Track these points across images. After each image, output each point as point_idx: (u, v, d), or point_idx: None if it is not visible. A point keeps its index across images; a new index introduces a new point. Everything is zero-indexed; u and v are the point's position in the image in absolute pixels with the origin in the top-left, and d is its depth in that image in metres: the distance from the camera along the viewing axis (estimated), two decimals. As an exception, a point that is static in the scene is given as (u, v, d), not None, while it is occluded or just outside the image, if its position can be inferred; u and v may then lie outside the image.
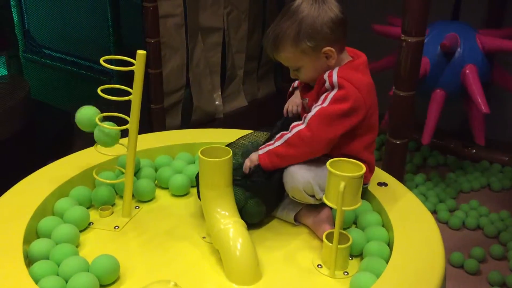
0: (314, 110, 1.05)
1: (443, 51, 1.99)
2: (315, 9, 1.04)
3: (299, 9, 1.05)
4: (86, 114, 1.09)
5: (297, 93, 1.24)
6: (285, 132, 1.07)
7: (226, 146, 1.08)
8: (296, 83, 1.25)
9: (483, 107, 1.90)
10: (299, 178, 1.05)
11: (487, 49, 1.99)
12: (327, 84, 1.05)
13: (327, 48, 1.05)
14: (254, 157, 1.09)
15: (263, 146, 1.10)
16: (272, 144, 1.07)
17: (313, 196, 1.07)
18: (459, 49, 1.98)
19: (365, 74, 1.09)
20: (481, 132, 2.05)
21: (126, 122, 1.09)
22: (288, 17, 1.06)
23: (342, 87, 1.04)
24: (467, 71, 1.96)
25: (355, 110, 1.05)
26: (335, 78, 1.04)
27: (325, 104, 1.04)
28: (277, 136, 1.08)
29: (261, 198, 1.08)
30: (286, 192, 1.11)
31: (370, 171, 1.16)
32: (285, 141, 1.05)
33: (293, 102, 1.24)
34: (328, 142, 1.05)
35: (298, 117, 1.21)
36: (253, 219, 1.09)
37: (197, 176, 1.10)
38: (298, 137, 1.04)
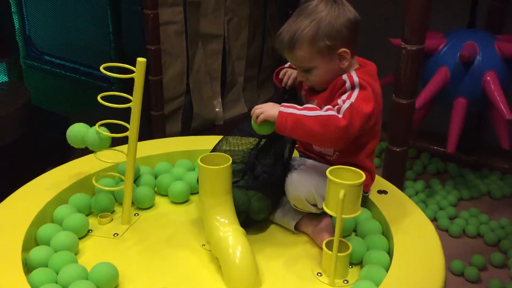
0: (345, 103, 1.00)
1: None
2: (334, 9, 1.04)
3: (317, 9, 1.04)
4: (77, 132, 1.11)
5: (292, 70, 1.20)
6: (316, 107, 1.02)
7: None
8: (287, 65, 1.22)
9: (506, 114, 1.90)
10: (301, 187, 1.05)
11: (505, 55, 1.99)
12: (347, 84, 1.04)
13: (343, 49, 1.05)
14: (271, 111, 1.01)
15: (286, 104, 1.02)
16: (300, 109, 1.00)
17: (315, 205, 1.06)
18: (478, 57, 1.98)
19: (376, 81, 1.09)
20: (505, 136, 2.05)
21: (126, 129, 1.09)
22: (306, 16, 1.05)
23: (365, 88, 1.03)
24: (488, 78, 1.96)
25: (374, 111, 1.04)
26: (356, 79, 1.04)
27: (353, 100, 1.01)
28: (307, 105, 1.03)
29: (264, 192, 1.08)
30: (287, 199, 1.11)
31: (371, 179, 1.15)
32: (316, 116, 0.99)
33: (290, 72, 1.19)
34: (351, 137, 1.01)
35: (291, 90, 1.19)
36: (260, 215, 1.09)
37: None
38: (331, 120, 0.98)
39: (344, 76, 1.06)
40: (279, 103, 1.03)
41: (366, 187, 1.14)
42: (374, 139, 1.11)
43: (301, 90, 1.20)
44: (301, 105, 1.04)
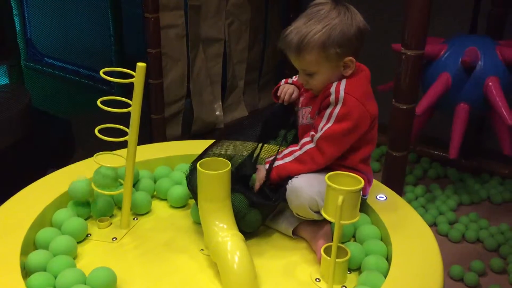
0: (321, 130, 1.06)
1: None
2: (347, 17, 1.04)
3: (330, 15, 1.04)
4: (80, 187, 1.12)
5: (292, 87, 1.22)
6: (294, 149, 1.09)
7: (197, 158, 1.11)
8: (283, 81, 1.24)
9: (508, 119, 1.90)
10: (304, 195, 1.04)
11: (507, 60, 1.99)
12: (332, 98, 1.05)
13: (349, 58, 1.06)
14: (261, 175, 1.11)
15: (268, 160, 1.11)
16: (281, 159, 1.10)
17: (318, 212, 1.06)
18: (480, 62, 1.98)
19: (368, 87, 1.10)
20: (507, 142, 2.05)
21: (126, 133, 1.09)
22: (317, 21, 1.04)
23: (345, 103, 1.04)
24: (490, 84, 1.96)
25: (359, 124, 1.06)
26: (341, 94, 1.05)
27: (330, 124, 1.05)
28: (286, 152, 1.10)
29: (260, 209, 1.09)
30: (285, 205, 1.11)
31: (368, 182, 1.15)
32: (295, 158, 1.08)
33: (287, 89, 1.22)
34: (335, 157, 1.08)
35: (289, 105, 1.21)
36: (251, 229, 1.10)
37: (188, 184, 1.12)
38: (308, 155, 1.07)
39: (332, 89, 1.06)
40: (278, 118, 1.13)
41: (363, 189, 1.14)
42: (369, 144, 1.12)
43: (297, 104, 1.21)
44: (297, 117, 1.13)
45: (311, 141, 1.07)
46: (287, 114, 1.20)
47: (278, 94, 1.22)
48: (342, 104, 1.04)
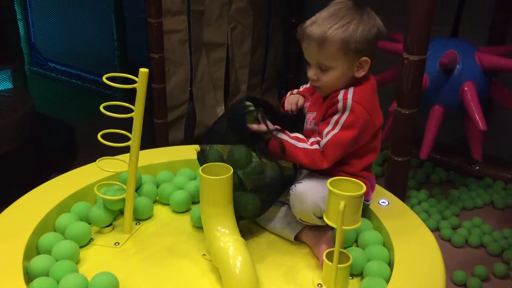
0: (327, 136, 1.05)
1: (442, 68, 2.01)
2: (370, 18, 1.06)
3: (354, 14, 1.05)
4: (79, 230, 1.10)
5: (295, 96, 1.23)
6: (306, 140, 1.08)
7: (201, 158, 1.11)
8: (289, 93, 1.25)
9: (480, 125, 1.91)
10: (308, 201, 1.04)
11: (485, 67, 2.00)
12: (340, 106, 1.05)
13: (365, 58, 1.06)
14: (265, 128, 1.08)
15: (280, 130, 1.09)
16: (291, 138, 1.07)
17: (321, 217, 1.06)
18: (458, 66, 2.00)
19: (375, 97, 1.10)
20: (478, 146, 2.06)
21: (128, 137, 1.10)
22: (341, 17, 1.05)
23: (353, 111, 1.04)
24: (466, 88, 1.98)
25: (363, 133, 1.06)
26: (349, 101, 1.05)
27: (336, 130, 1.05)
28: (299, 136, 1.08)
29: (259, 195, 1.09)
30: (286, 211, 1.11)
31: (371, 187, 1.15)
32: (303, 149, 1.06)
33: (291, 98, 1.23)
34: (335, 161, 1.08)
35: (298, 114, 1.21)
36: (249, 214, 1.09)
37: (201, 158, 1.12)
38: (313, 155, 1.06)
39: (340, 96, 1.06)
40: (287, 126, 1.10)
41: (366, 194, 1.14)
42: (372, 152, 1.12)
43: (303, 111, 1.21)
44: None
45: (318, 145, 1.07)
46: (293, 121, 1.20)
47: (286, 107, 1.22)
48: (350, 112, 1.04)
